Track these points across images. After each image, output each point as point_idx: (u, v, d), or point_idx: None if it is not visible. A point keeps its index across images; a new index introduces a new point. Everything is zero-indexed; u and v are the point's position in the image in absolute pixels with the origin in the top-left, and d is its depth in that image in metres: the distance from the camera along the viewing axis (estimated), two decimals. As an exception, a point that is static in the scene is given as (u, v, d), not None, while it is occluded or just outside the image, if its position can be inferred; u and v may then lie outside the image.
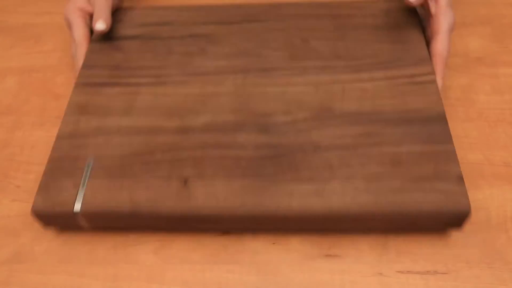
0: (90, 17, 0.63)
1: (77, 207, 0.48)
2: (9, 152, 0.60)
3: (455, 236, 0.50)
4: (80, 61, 0.61)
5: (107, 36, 0.64)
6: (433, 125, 0.52)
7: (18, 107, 0.65)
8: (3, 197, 0.56)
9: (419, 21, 0.63)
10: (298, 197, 0.47)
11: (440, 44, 0.57)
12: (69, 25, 0.63)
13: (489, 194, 0.53)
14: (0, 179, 0.57)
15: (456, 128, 0.59)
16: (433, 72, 0.57)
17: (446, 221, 0.47)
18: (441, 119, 0.52)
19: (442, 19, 0.57)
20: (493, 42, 0.69)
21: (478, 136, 0.58)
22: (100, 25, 0.60)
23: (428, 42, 0.60)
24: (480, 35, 0.70)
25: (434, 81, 0.56)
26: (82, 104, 0.56)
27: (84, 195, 0.48)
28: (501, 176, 0.55)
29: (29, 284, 0.49)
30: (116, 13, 0.67)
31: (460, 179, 0.47)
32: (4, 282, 0.50)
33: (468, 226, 0.49)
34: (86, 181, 0.49)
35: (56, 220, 0.49)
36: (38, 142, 0.60)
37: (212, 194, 0.48)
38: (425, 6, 0.60)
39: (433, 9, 0.59)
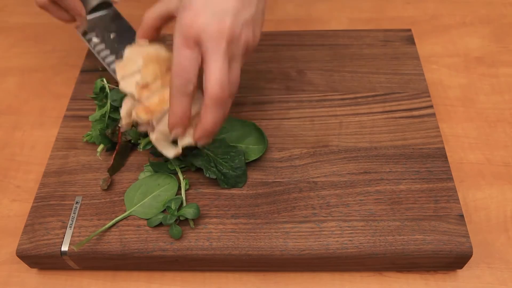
0: None
1: (65, 248, 0.46)
2: (9, 152, 0.60)
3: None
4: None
5: (97, 67, 0.62)
6: (433, 161, 0.51)
7: (18, 107, 0.65)
8: (3, 197, 0.56)
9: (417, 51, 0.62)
10: (293, 237, 0.46)
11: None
12: None
13: (489, 194, 0.53)
14: (0, 179, 0.57)
15: (456, 128, 0.59)
16: (431, 106, 0.56)
17: (447, 262, 0.46)
18: (440, 155, 0.51)
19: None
20: (493, 42, 0.69)
21: (478, 136, 0.58)
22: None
23: None
24: (480, 35, 0.70)
25: (432, 115, 0.55)
26: (71, 138, 0.55)
27: (72, 235, 0.47)
28: (501, 176, 0.55)
29: (29, 284, 0.49)
30: None
31: (461, 218, 0.46)
32: (4, 282, 0.49)
33: (468, 226, 0.49)
34: (74, 220, 0.48)
35: (43, 261, 0.48)
36: (38, 142, 0.60)
37: (205, 235, 0.47)
38: None
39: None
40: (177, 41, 0.42)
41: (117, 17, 0.60)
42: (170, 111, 0.44)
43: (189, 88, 0.42)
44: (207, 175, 0.49)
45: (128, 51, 0.48)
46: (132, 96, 0.46)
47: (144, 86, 0.45)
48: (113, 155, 0.51)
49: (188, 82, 0.42)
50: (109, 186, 0.50)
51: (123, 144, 0.52)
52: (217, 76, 0.41)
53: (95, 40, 0.58)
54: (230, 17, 0.42)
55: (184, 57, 0.42)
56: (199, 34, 0.41)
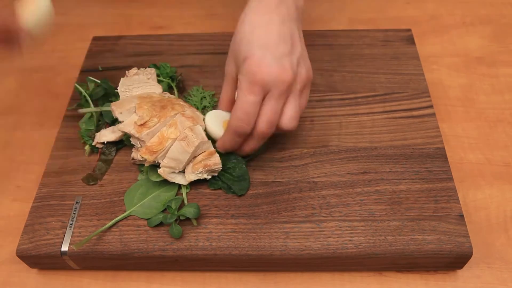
0: None
1: (65, 248, 0.47)
2: (9, 152, 0.60)
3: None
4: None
5: (97, 67, 0.62)
6: (433, 161, 0.51)
7: (18, 107, 0.65)
8: (3, 197, 0.56)
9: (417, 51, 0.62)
10: (293, 237, 0.46)
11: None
12: None
13: (489, 194, 0.53)
14: (0, 179, 0.57)
15: (456, 128, 0.59)
16: (431, 106, 0.55)
17: (447, 262, 0.46)
18: (440, 155, 0.51)
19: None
20: (493, 42, 0.69)
21: (478, 136, 0.58)
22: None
23: None
24: (480, 35, 0.70)
25: (432, 115, 0.55)
26: (71, 138, 0.55)
27: (72, 235, 0.47)
28: (501, 176, 0.55)
29: (29, 284, 0.49)
30: (107, 42, 0.66)
31: (461, 218, 0.46)
32: (4, 282, 0.49)
33: (468, 226, 0.49)
34: (74, 220, 0.48)
35: (43, 261, 0.48)
36: (38, 142, 0.60)
37: (205, 235, 0.47)
38: None
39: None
40: (244, 86, 0.45)
41: None
42: (222, 139, 0.48)
43: (246, 131, 0.46)
44: (212, 188, 0.50)
45: (122, 81, 0.54)
46: (132, 135, 0.49)
47: (142, 124, 0.49)
48: (94, 167, 0.52)
49: (247, 125, 0.46)
50: (109, 186, 0.51)
51: (102, 158, 0.53)
52: (268, 117, 0.46)
53: None
54: (287, 60, 0.46)
55: (248, 102, 0.45)
56: (264, 80, 0.45)
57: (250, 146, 0.48)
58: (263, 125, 0.46)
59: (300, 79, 0.47)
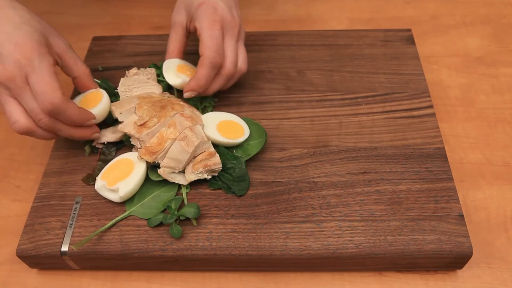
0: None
1: (65, 248, 0.47)
2: (9, 152, 0.60)
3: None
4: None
5: (97, 67, 0.62)
6: (433, 161, 0.51)
7: (18, 107, 0.65)
8: (3, 197, 0.56)
9: (417, 52, 0.62)
10: (293, 237, 0.46)
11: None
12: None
13: (489, 194, 0.53)
14: (0, 179, 0.57)
15: (456, 128, 0.59)
16: (431, 106, 0.56)
17: (447, 262, 0.46)
18: (440, 155, 0.51)
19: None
20: (493, 42, 0.69)
21: (478, 136, 0.58)
22: None
23: None
24: (480, 35, 0.70)
25: (432, 115, 0.55)
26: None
27: (72, 235, 0.47)
28: (501, 176, 0.55)
29: (29, 284, 0.49)
30: (107, 42, 0.66)
31: (461, 218, 0.46)
32: (4, 282, 0.50)
33: (468, 226, 0.49)
34: (74, 220, 0.48)
35: (43, 261, 0.48)
36: (38, 142, 0.60)
37: (205, 235, 0.47)
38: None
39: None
40: (206, 24, 0.52)
41: None
42: (196, 77, 0.52)
43: (220, 61, 0.52)
44: (212, 188, 0.50)
45: (122, 81, 0.55)
46: (132, 135, 0.49)
47: (142, 124, 0.49)
48: (94, 167, 0.52)
49: (221, 56, 0.52)
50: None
51: (102, 158, 0.53)
52: (233, 57, 0.53)
53: None
54: (235, 10, 0.54)
55: (215, 36, 0.51)
56: (222, 19, 0.52)
57: (217, 84, 0.54)
58: (231, 64, 0.53)
59: (242, 30, 0.55)
